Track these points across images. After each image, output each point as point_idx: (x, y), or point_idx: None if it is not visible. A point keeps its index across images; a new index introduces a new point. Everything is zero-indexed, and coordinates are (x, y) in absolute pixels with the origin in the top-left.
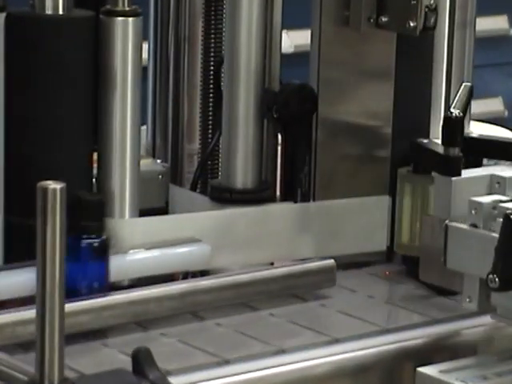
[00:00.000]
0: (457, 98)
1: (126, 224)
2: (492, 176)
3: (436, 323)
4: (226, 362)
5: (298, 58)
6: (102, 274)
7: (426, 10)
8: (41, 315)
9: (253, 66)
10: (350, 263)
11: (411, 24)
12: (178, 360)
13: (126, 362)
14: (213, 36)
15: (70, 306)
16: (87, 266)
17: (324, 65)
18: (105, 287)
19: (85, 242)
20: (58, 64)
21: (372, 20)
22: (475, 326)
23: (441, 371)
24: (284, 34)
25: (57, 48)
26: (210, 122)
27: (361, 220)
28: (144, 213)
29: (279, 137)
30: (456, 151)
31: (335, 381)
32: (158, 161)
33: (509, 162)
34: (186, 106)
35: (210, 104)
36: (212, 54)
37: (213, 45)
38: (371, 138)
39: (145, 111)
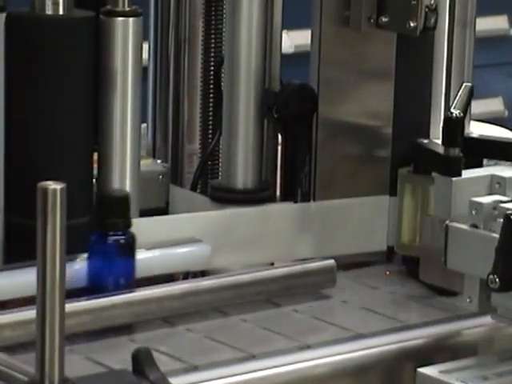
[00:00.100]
0: (457, 99)
1: None
2: (492, 176)
3: (436, 323)
4: (235, 360)
5: (298, 58)
6: (128, 270)
7: (427, 10)
8: (41, 315)
9: (253, 66)
10: (350, 263)
11: (411, 24)
12: (201, 355)
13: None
14: (213, 36)
15: (70, 307)
16: (113, 262)
17: (324, 65)
18: (131, 283)
19: (111, 238)
20: (58, 64)
21: (372, 20)
22: (475, 327)
23: (441, 371)
24: (284, 34)
25: (57, 48)
26: (211, 122)
27: (361, 220)
28: (144, 213)
29: (279, 137)
30: (456, 151)
31: (335, 381)
32: (159, 161)
33: (509, 163)
34: (186, 106)
35: (211, 104)
36: (212, 55)
37: (213, 45)
38: (371, 138)
39: (145, 111)
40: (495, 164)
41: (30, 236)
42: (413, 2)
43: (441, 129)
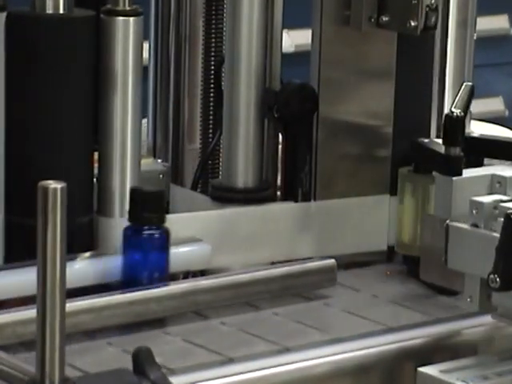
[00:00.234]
0: (458, 98)
1: (126, 224)
2: (493, 176)
3: (436, 323)
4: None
5: (298, 58)
6: (162, 264)
7: (427, 9)
8: (41, 315)
9: (253, 66)
10: (350, 263)
11: (412, 24)
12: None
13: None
14: (213, 36)
15: (70, 306)
16: (148, 256)
17: (325, 64)
18: (165, 277)
19: (146, 232)
20: (58, 64)
21: (373, 20)
22: (476, 326)
23: (441, 371)
24: (285, 33)
25: (57, 48)
26: (211, 122)
27: (361, 219)
28: None
29: (280, 136)
30: (457, 151)
31: (335, 381)
32: (159, 160)
33: (509, 162)
34: (186, 106)
35: (211, 103)
36: (213, 54)
37: (213, 44)
38: (372, 138)
39: (145, 111)
40: (500, 163)
41: (30, 235)
42: (413, 2)
43: (442, 128)
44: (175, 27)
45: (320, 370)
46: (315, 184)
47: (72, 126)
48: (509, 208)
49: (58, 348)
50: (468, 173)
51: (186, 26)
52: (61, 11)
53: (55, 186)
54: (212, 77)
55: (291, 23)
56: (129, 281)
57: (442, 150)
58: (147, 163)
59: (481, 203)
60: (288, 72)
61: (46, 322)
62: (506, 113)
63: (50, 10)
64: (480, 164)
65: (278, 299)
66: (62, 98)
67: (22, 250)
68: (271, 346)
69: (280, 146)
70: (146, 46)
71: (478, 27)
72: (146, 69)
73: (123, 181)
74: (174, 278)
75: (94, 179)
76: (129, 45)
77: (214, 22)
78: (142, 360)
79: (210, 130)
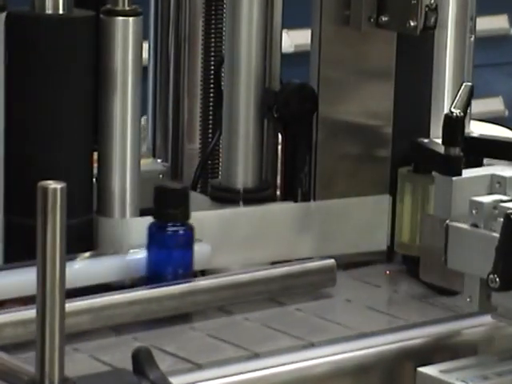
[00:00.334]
0: (457, 98)
1: (126, 224)
2: (492, 176)
3: (436, 323)
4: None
5: (298, 58)
6: (186, 260)
7: (427, 9)
8: (41, 315)
9: (253, 66)
10: (350, 263)
11: (411, 23)
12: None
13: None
14: (213, 36)
15: (70, 306)
16: (172, 252)
17: (324, 64)
18: (189, 273)
19: (170, 229)
20: (58, 64)
21: (372, 20)
22: (476, 326)
23: (441, 371)
24: (284, 33)
25: (57, 48)
26: (211, 122)
27: (361, 219)
28: (144, 212)
29: (279, 136)
30: (456, 151)
31: (335, 381)
32: (159, 160)
33: (508, 162)
34: (186, 106)
35: (211, 103)
36: (212, 54)
37: (213, 44)
38: (371, 138)
39: (145, 111)
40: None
41: (29, 236)
42: (413, 2)
43: (441, 128)
44: (175, 27)
45: (320, 369)
46: (315, 184)
47: (72, 126)
48: (508, 208)
49: (57, 348)
50: (468, 173)
51: (186, 26)
52: (60, 11)
53: (55, 186)
54: (212, 77)
55: (291, 23)
56: (153, 277)
57: (442, 150)
58: (147, 163)
59: (481, 203)
60: (288, 72)
61: (46, 322)
62: (506, 113)
63: (49, 11)
64: (480, 164)
65: (276, 299)
66: (62, 98)
67: (22, 250)
68: (296, 341)
69: (280, 146)
70: (145, 45)
71: (478, 27)
72: (145, 69)
73: (123, 181)
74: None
75: (94, 179)
76: (128, 45)
77: (213, 22)
78: (142, 360)
79: (210, 130)
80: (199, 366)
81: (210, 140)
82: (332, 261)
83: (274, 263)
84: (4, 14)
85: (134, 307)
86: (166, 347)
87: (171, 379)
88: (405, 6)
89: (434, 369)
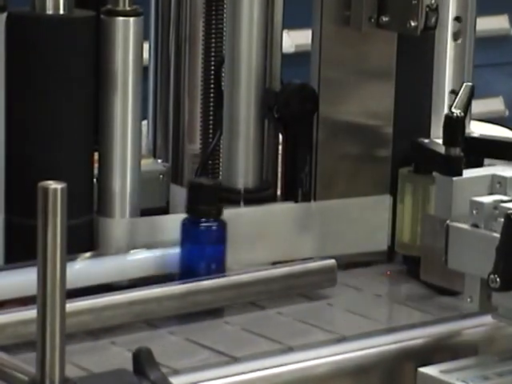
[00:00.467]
0: (458, 98)
1: (126, 224)
2: (493, 176)
3: (437, 323)
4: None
5: (298, 58)
6: (219, 255)
7: (427, 9)
8: (42, 315)
9: (254, 66)
10: (350, 263)
11: (412, 24)
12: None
13: None
14: (214, 36)
15: (70, 306)
16: (205, 248)
17: (325, 65)
18: (222, 269)
19: (203, 225)
20: (59, 64)
21: (373, 20)
22: (476, 326)
23: (442, 371)
24: (285, 33)
25: (57, 48)
26: (211, 122)
27: (361, 220)
28: (145, 213)
29: (280, 137)
30: (457, 151)
31: (336, 381)
32: (159, 160)
33: (509, 162)
34: (186, 106)
35: (211, 104)
36: (213, 54)
37: (214, 45)
38: (372, 138)
39: (146, 111)
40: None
41: (30, 236)
42: (413, 2)
43: (442, 128)
44: (175, 27)
45: (320, 370)
46: (315, 184)
47: (72, 126)
48: (509, 208)
49: (58, 348)
50: (468, 173)
51: (186, 27)
52: (61, 12)
53: (55, 186)
54: (212, 77)
55: (291, 23)
56: (186, 272)
57: (442, 150)
58: (147, 163)
59: (481, 203)
60: (288, 72)
61: (47, 323)
62: (506, 113)
63: (50, 11)
64: (480, 164)
65: (278, 299)
66: (62, 98)
67: (22, 251)
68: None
69: (280, 147)
70: (146, 46)
71: (478, 27)
72: (146, 69)
73: (123, 181)
74: (174, 278)
75: (95, 179)
76: (129, 45)
77: (214, 22)
78: (142, 360)
79: (210, 131)
80: (235, 359)
81: (210, 140)
82: (332, 261)
83: (274, 263)
84: (4, 15)
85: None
86: (201, 341)
87: (171, 379)
88: (405, 6)
89: (435, 369)
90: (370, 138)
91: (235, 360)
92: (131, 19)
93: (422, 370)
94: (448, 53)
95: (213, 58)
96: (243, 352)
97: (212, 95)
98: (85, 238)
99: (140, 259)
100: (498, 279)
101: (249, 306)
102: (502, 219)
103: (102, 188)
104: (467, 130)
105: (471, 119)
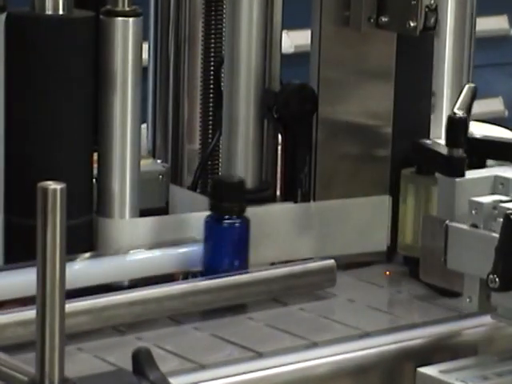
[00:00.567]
0: (460, 99)
1: (126, 224)
2: (496, 177)
3: (436, 323)
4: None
5: (298, 58)
6: (242, 252)
7: (426, 9)
8: (41, 315)
9: (253, 66)
10: (350, 263)
11: (411, 24)
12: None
13: None
14: (213, 36)
15: (70, 307)
16: (229, 244)
17: (324, 65)
18: (245, 265)
19: (226, 222)
20: (58, 64)
21: (372, 20)
22: (476, 326)
23: (441, 371)
24: (284, 34)
25: (57, 48)
26: (211, 122)
27: (361, 220)
28: (144, 213)
29: (279, 137)
30: (460, 152)
31: (336, 381)
32: (159, 161)
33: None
34: (186, 106)
35: (211, 104)
36: (212, 55)
37: (213, 45)
38: (371, 138)
39: (145, 111)
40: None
41: (30, 236)
42: (413, 2)
43: (443, 129)
44: (175, 28)
45: (321, 370)
46: (315, 184)
47: (72, 127)
48: (508, 208)
49: (57, 348)
50: (471, 174)
51: (186, 27)
52: (60, 12)
53: (55, 186)
54: (211, 77)
55: (291, 24)
56: (209, 269)
57: (445, 151)
58: (147, 164)
59: (480, 203)
60: (287, 72)
61: (46, 323)
62: (506, 113)
63: (49, 11)
64: (483, 165)
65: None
66: (62, 98)
67: (22, 251)
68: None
69: (279, 147)
70: (145, 46)
71: (478, 27)
72: (145, 69)
73: (123, 181)
74: (174, 278)
75: (94, 180)
76: (128, 45)
77: (213, 22)
78: (142, 361)
79: (210, 131)
80: (260, 355)
81: (209, 140)
82: (332, 261)
83: (274, 263)
84: (4, 15)
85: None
86: (226, 336)
87: (171, 379)
88: (405, 6)
89: (434, 369)
90: (369, 138)
91: (259, 355)
92: (130, 19)
93: (422, 370)
94: (448, 53)
95: (212, 59)
96: (267, 347)
97: (211, 95)
98: (84, 238)
99: (139, 259)
100: (497, 279)
101: (271, 302)
102: (502, 219)
103: (101, 188)
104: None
105: (471, 120)
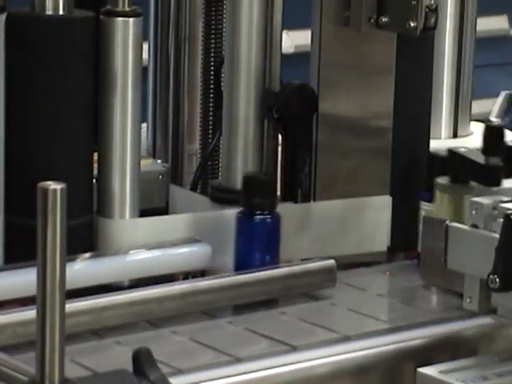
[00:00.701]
0: (497, 106)
1: (126, 224)
2: None
3: (436, 323)
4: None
5: (298, 58)
6: (273, 248)
7: (427, 10)
8: (41, 315)
9: (253, 66)
10: (350, 263)
11: (411, 24)
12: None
13: None
14: (213, 36)
15: (70, 307)
16: (260, 240)
17: (324, 65)
18: (276, 260)
19: (258, 217)
20: (58, 64)
21: (372, 20)
22: (476, 327)
23: (441, 371)
24: (284, 34)
25: (57, 48)
26: (211, 122)
27: (361, 220)
28: (144, 213)
29: (279, 137)
30: (497, 160)
31: (336, 381)
32: (159, 161)
33: None
34: (186, 106)
35: (211, 104)
36: (212, 55)
37: (213, 45)
38: (372, 138)
39: (145, 111)
40: None
41: (30, 236)
42: (413, 2)
43: (443, 129)
44: (175, 28)
45: (321, 370)
46: (315, 185)
47: (72, 127)
48: (508, 208)
49: (57, 349)
50: (507, 183)
51: (186, 27)
52: (60, 12)
53: (55, 186)
54: (212, 77)
55: (291, 24)
56: (241, 264)
57: (481, 159)
58: (147, 164)
59: (480, 204)
60: (288, 73)
61: (46, 323)
62: None
63: (49, 11)
64: None
65: (277, 299)
66: (62, 98)
67: (22, 251)
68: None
69: (280, 147)
70: (145, 46)
71: (478, 27)
72: (145, 69)
73: (123, 181)
74: (174, 278)
75: (94, 180)
76: (128, 45)
77: (213, 22)
78: (142, 361)
79: (210, 131)
80: (294, 348)
81: (210, 141)
82: (332, 261)
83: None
84: (4, 15)
85: (133, 308)
86: (259, 330)
87: (171, 380)
88: (405, 6)
89: (434, 369)
90: (369, 139)
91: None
92: (130, 20)
93: (422, 370)
94: (448, 53)
95: (212, 59)
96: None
97: (211, 95)
98: (84, 238)
99: (140, 259)
100: (497, 279)
101: (302, 297)
102: (502, 219)
103: (101, 188)
104: (467, 131)
105: (471, 120)
